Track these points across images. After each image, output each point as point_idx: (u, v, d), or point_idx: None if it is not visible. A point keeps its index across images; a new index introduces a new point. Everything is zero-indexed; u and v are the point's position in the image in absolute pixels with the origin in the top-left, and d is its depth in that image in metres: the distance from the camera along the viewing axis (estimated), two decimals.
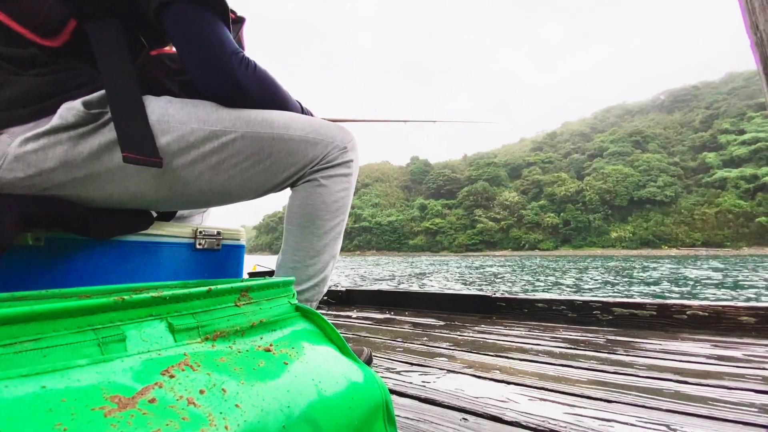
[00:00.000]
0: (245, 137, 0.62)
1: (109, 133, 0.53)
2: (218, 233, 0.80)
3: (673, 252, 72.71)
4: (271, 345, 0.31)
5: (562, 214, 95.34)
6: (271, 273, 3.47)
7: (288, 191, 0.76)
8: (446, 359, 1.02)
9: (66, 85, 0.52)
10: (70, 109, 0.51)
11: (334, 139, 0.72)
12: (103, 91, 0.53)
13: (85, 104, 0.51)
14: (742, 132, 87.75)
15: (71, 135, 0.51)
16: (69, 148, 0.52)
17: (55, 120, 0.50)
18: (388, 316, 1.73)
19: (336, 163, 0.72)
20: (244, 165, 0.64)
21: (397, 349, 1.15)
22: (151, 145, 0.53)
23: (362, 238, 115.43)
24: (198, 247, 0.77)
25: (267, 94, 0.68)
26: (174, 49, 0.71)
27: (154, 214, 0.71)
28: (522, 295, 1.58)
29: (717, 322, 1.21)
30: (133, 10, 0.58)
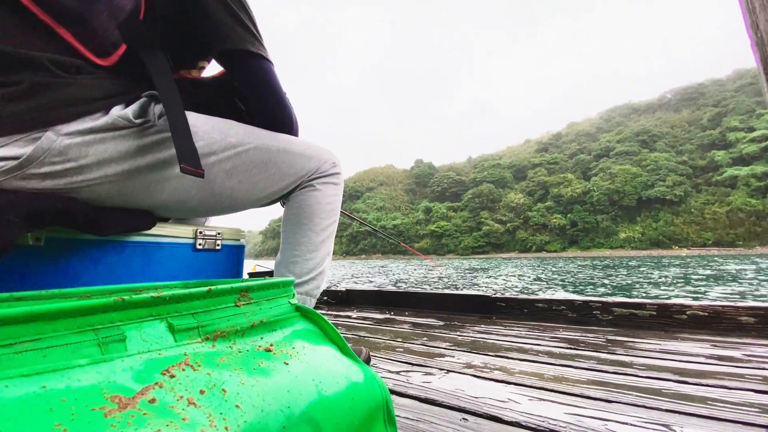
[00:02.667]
0: (257, 148, 0.72)
1: (145, 138, 0.59)
2: (218, 233, 0.80)
3: (684, 252, 72.29)
4: (271, 345, 0.31)
5: (569, 215, 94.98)
6: (271, 273, 3.47)
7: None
8: (446, 359, 1.02)
9: (110, 92, 0.58)
10: (120, 113, 0.56)
11: (324, 156, 0.84)
12: (143, 100, 0.60)
13: (134, 111, 0.58)
14: (751, 129, 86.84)
15: (114, 135, 0.56)
16: (109, 147, 0.56)
17: (105, 119, 0.55)
18: (387, 316, 1.73)
19: (327, 174, 0.84)
20: (253, 172, 0.72)
21: (397, 349, 1.15)
22: (197, 158, 0.59)
23: (367, 242, 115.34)
24: (198, 247, 0.77)
25: (297, 124, 0.86)
26: (198, 75, 0.84)
27: None
28: (522, 295, 1.58)
29: (717, 322, 1.21)
30: (177, 42, 0.68)
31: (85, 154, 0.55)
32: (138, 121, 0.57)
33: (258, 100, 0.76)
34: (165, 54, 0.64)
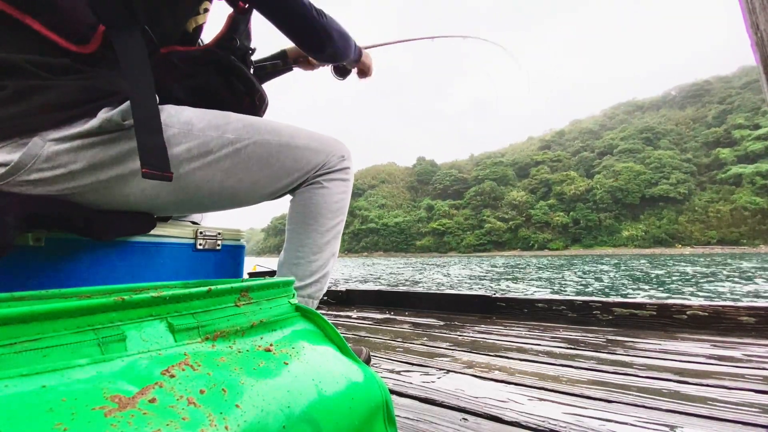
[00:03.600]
0: (256, 144, 0.68)
1: (135, 141, 0.56)
2: (218, 234, 0.80)
3: (687, 251, 72.08)
4: (271, 345, 0.31)
5: (571, 213, 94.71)
6: (271, 273, 3.47)
7: (287, 200, 0.82)
8: (446, 359, 1.02)
9: (98, 93, 0.54)
10: (108, 116, 0.53)
11: (333, 149, 0.79)
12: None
13: (123, 113, 0.54)
14: (757, 127, 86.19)
15: (103, 139, 0.54)
16: (99, 151, 0.54)
17: (92, 123, 0.53)
18: (388, 316, 1.73)
19: (336, 169, 0.79)
20: (254, 169, 0.68)
21: (397, 349, 1.15)
22: (165, 160, 0.56)
23: (369, 240, 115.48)
24: (198, 247, 0.77)
25: (341, 36, 0.79)
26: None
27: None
28: (522, 295, 1.58)
29: (717, 322, 1.21)
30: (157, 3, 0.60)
31: (74, 160, 0.53)
32: (127, 123, 0.54)
33: (283, 26, 0.71)
34: (144, 32, 0.58)
